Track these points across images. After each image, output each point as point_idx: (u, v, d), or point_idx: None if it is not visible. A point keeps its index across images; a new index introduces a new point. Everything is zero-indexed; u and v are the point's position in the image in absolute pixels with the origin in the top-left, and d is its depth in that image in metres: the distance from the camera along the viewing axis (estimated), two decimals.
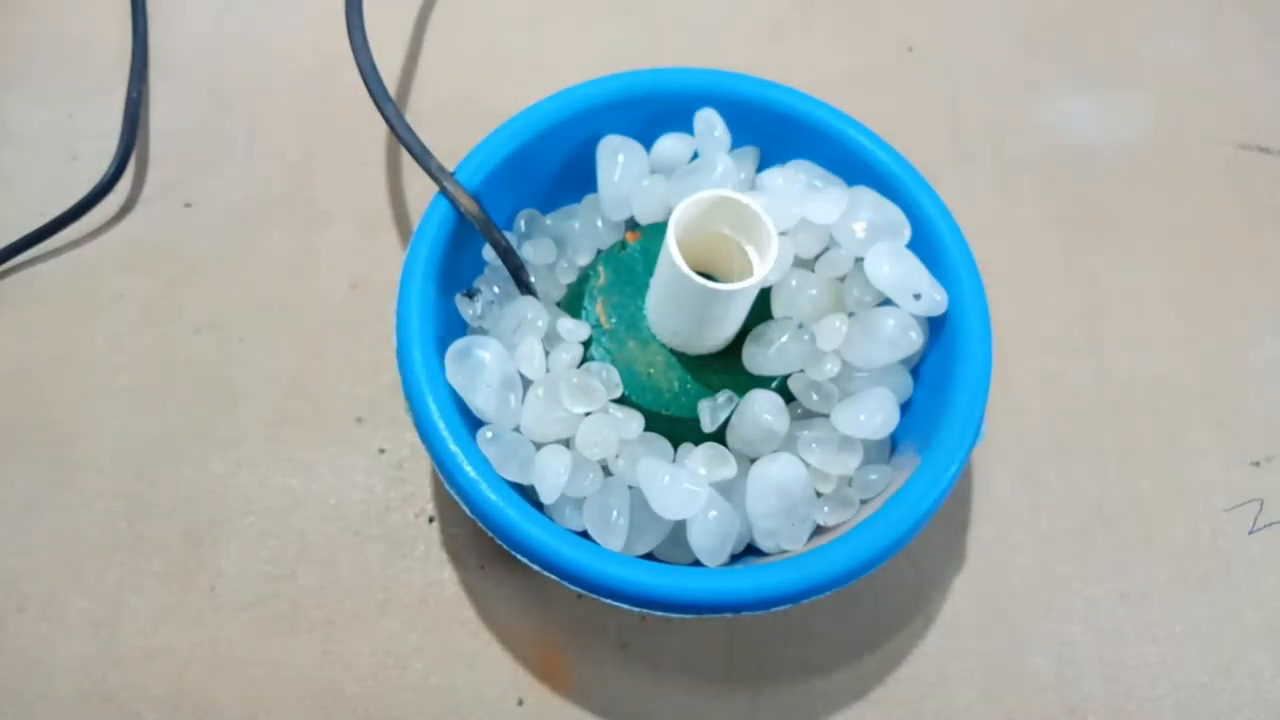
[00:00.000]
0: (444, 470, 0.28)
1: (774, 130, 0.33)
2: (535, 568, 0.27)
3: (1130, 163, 0.43)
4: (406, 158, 0.41)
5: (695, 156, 0.33)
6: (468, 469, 0.28)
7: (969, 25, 0.46)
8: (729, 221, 0.28)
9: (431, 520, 0.35)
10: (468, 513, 0.28)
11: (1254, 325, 0.39)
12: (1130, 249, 0.41)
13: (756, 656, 0.33)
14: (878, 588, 0.34)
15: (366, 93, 0.38)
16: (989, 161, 0.42)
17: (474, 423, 0.29)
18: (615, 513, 0.28)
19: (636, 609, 0.27)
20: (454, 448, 0.28)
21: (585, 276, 0.32)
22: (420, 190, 0.40)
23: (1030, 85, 0.44)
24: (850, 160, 0.33)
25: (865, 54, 0.45)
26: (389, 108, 0.33)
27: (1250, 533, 0.35)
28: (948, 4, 0.47)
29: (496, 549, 0.34)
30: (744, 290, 0.27)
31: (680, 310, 0.28)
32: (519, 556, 0.28)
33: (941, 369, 0.30)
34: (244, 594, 0.33)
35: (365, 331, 0.37)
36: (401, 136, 0.32)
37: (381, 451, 0.36)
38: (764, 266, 0.27)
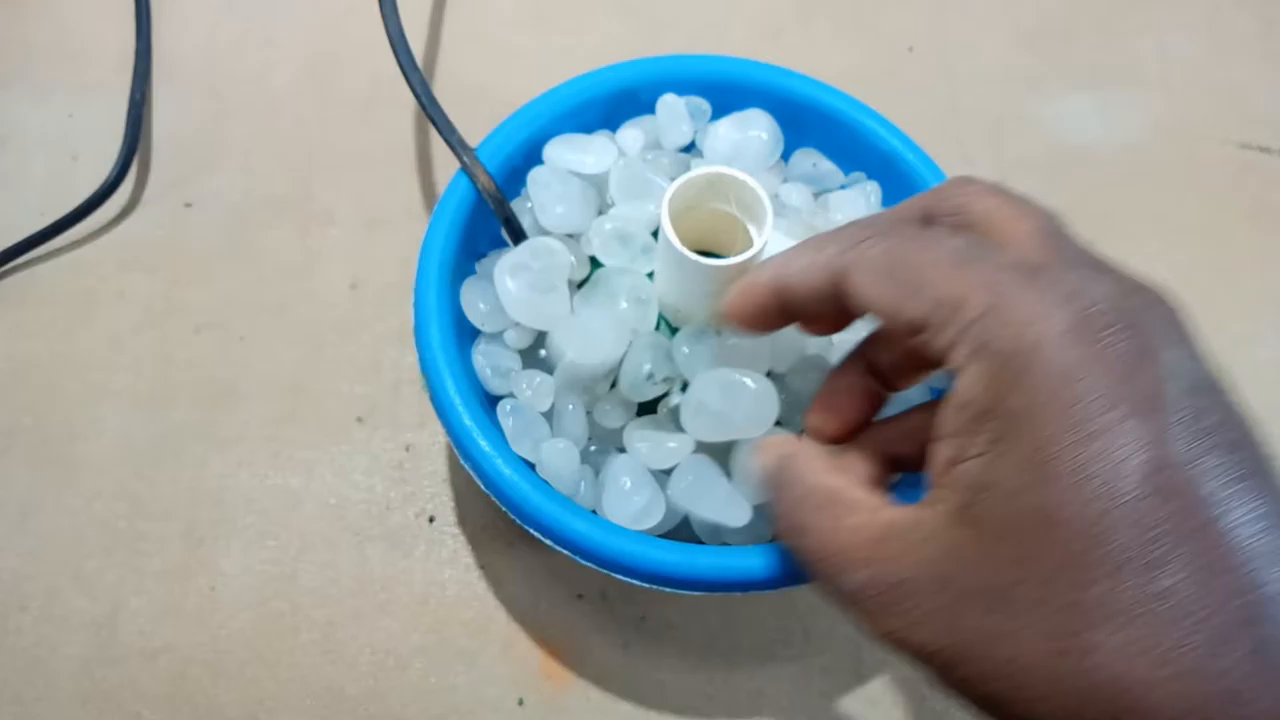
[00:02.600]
0: (458, 444, 0.28)
1: (788, 117, 0.33)
2: (548, 542, 0.27)
3: (1130, 163, 0.43)
4: (406, 158, 0.41)
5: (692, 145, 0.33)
6: (482, 443, 0.28)
7: (969, 25, 0.46)
8: (726, 197, 0.28)
9: (432, 520, 0.35)
10: (481, 487, 0.28)
11: (1254, 325, 0.39)
12: (1130, 249, 0.40)
13: (756, 657, 0.33)
14: None
15: (365, 96, 0.38)
16: (989, 161, 0.42)
17: (488, 399, 0.30)
18: (627, 481, 0.28)
19: (646, 584, 0.27)
20: (469, 422, 0.28)
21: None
22: (421, 189, 0.40)
23: (1030, 85, 0.44)
24: (862, 147, 0.33)
25: (865, 54, 0.45)
26: (415, 77, 0.33)
27: None
28: (948, 4, 0.47)
29: (497, 549, 0.34)
30: (738, 264, 0.27)
31: (682, 288, 0.28)
32: (532, 531, 0.28)
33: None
34: (244, 594, 0.33)
35: (365, 331, 0.37)
36: (426, 106, 0.32)
37: (381, 451, 0.36)
38: (760, 239, 0.27)
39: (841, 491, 0.21)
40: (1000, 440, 0.17)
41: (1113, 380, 0.17)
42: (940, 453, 0.19)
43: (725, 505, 0.27)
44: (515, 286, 0.28)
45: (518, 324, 0.30)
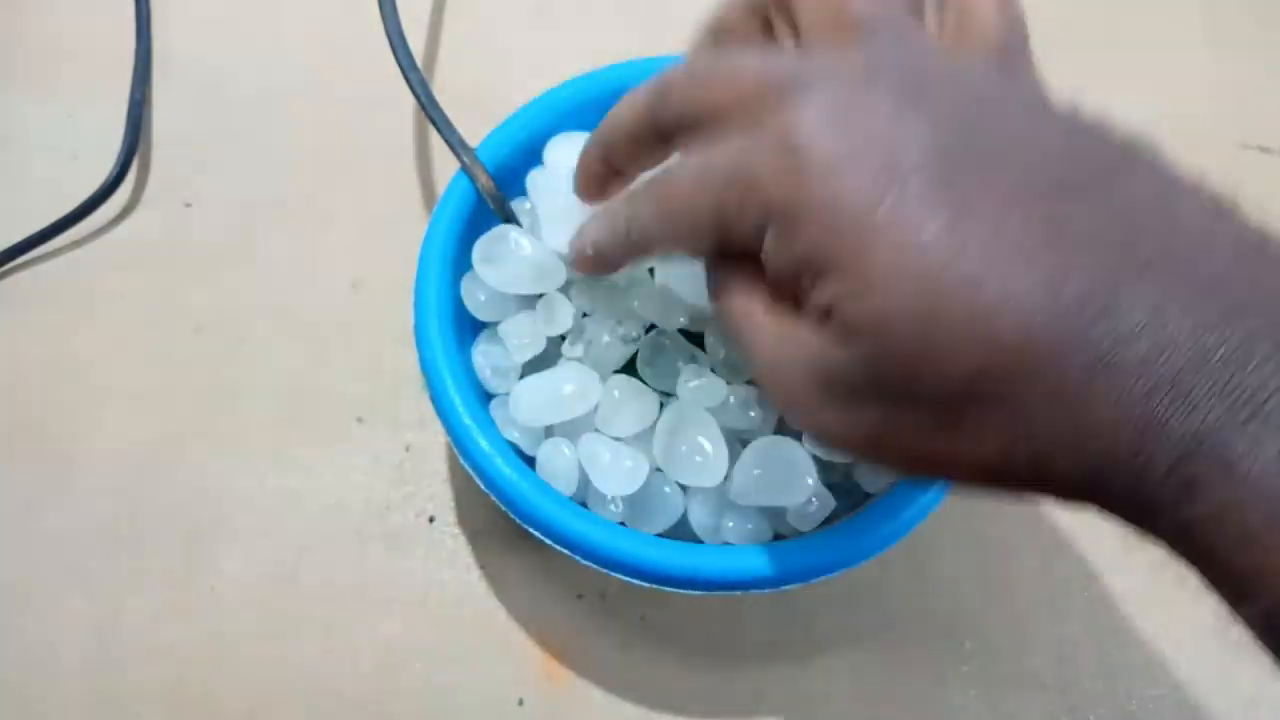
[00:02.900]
0: (458, 444, 0.28)
1: None
2: (548, 542, 0.28)
3: None
4: (406, 158, 0.41)
5: None
6: (482, 443, 0.28)
7: None
8: None
9: (431, 520, 0.35)
10: (481, 487, 0.28)
11: None
12: None
13: (757, 657, 0.33)
14: (878, 587, 0.34)
15: (365, 96, 0.38)
16: None
17: (488, 399, 0.30)
18: (605, 454, 0.28)
19: (646, 583, 0.27)
20: (469, 422, 0.28)
21: None
22: (421, 189, 0.40)
23: None
24: None
25: None
26: (415, 76, 0.33)
27: None
28: None
29: (497, 549, 0.34)
30: None
31: (683, 286, 0.29)
32: (532, 531, 0.28)
33: None
34: (244, 594, 0.33)
35: (365, 331, 0.37)
36: (425, 106, 0.33)
37: (381, 451, 0.36)
38: None
39: (753, 316, 0.22)
40: (820, 275, 0.19)
41: (867, 190, 0.18)
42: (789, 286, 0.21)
43: (698, 469, 0.28)
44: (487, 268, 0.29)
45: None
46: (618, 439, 0.29)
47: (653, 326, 0.30)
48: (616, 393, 0.29)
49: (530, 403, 0.29)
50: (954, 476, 0.20)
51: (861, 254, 0.18)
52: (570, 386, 0.28)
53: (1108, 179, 0.18)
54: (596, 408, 0.29)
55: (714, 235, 0.21)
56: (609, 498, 0.29)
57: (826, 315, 0.19)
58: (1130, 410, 0.16)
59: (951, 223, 0.17)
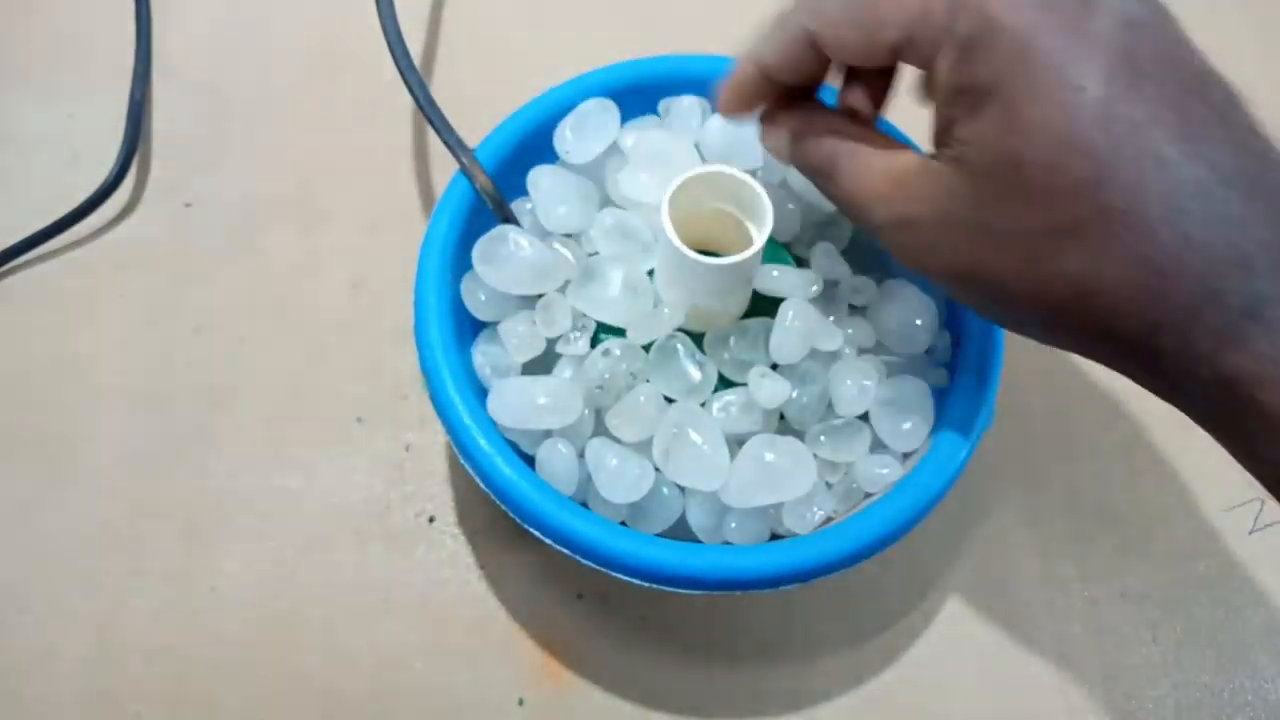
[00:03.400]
0: (459, 444, 0.28)
1: None
2: (548, 542, 0.28)
3: None
4: (407, 158, 0.41)
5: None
6: (482, 443, 0.28)
7: None
8: (724, 196, 0.28)
9: (432, 520, 0.35)
10: (481, 486, 0.28)
11: None
12: None
13: (757, 656, 0.33)
14: (878, 587, 0.34)
15: (366, 96, 0.38)
16: None
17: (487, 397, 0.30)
18: (613, 459, 0.28)
19: (646, 583, 0.27)
20: (469, 421, 0.28)
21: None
22: (421, 190, 0.40)
23: None
24: None
25: None
26: (413, 77, 0.33)
27: (1250, 533, 0.35)
28: None
29: (497, 549, 0.34)
30: (738, 264, 0.27)
31: (684, 288, 0.29)
32: (532, 530, 0.28)
33: (952, 357, 0.31)
34: (244, 594, 0.33)
35: (365, 331, 0.37)
36: (424, 106, 0.33)
37: (381, 451, 0.36)
38: (761, 238, 0.27)
39: (868, 137, 0.25)
40: (976, 107, 0.21)
41: (1057, 39, 0.20)
42: (936, 125, 0.23)
43: (699, 471, 0.28)
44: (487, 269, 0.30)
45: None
46: (623, 443, 0.29)
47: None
48: (642, 398, 0.28)
49: (505, 403, 0.28)
50: (1024, 314, 0.22)
51: (1024, 96, 0.20)
52: (545, 399, 0.28)
53: (1231, 107, 0.22)
54: (584, 418, 0.29)
55: (897, 35, 0.22)
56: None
57: (960, 152, 0.21)
58: (1196, 265, 0.19)
59: (1105, 97, 0.20)
